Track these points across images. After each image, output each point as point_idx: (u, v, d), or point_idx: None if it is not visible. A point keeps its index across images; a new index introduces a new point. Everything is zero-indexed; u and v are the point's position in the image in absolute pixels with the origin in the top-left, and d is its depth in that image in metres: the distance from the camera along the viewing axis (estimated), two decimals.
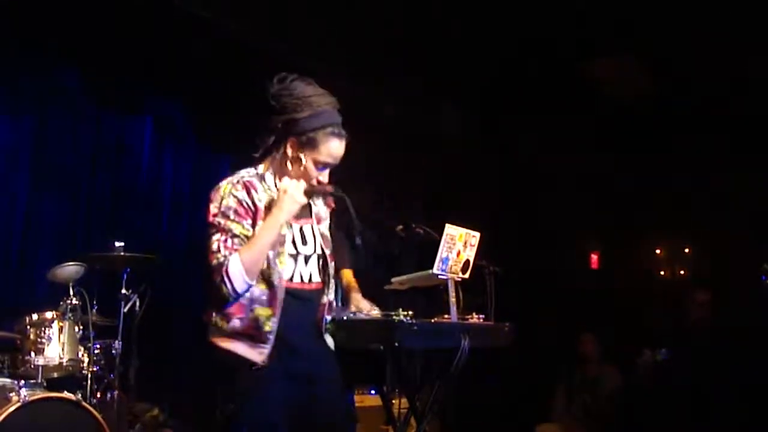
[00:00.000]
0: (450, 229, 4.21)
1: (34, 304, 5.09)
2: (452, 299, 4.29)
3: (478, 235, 4.36)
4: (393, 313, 3.94)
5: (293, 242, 3.23)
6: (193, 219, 6.66)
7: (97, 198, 6.27)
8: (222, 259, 3.01)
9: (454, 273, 4.29)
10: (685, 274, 8.45)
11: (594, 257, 8.64)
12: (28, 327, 4.87)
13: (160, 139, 6.73)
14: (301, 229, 3.29)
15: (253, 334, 3.10)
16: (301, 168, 3.18)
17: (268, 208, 3.15)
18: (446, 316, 4.31)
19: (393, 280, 4.63)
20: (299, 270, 3.25)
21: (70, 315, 4.93)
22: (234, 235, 3.06)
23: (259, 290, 3.12)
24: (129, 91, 6.45)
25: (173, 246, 6.56)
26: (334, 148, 3.17)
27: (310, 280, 3.28)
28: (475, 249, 4.37)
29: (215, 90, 6.50)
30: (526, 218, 8.09)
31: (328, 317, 3.35)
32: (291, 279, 3.21)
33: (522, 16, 6.71)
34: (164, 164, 6.73)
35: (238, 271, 3.00)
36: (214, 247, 3.05)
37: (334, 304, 3.42)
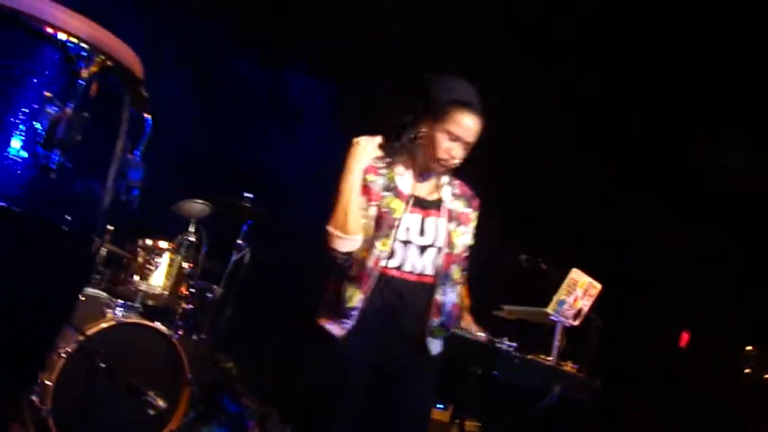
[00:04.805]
0: (575, 274, 4.16)
1: (145, 228, 5.12)
2: (557, 343, 4.24)
3: (599, 287, 4.30)
4: (497, 340, 3.91)
5: (408, 230, 3.20)
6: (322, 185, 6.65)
7: (238, 146, 6.36)
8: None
9: (565, 318, 4.24)
10: None
11: (685, 336, 8.43)
12: (140, 250, 4.91)
13: (305, 106, 6.79)
14: (423, 220, 3.24)
15: (336, 308, 3.15)
16: (433, 142, 3.17)
17: (386, 189, 3.20)
18: (542, 356, 4.26)
19: (504, 307, 4.60)
20: (411, 259, 3.20)
21: (183, 250, 4.98)
22: None
23: (354, 269, 3.15)
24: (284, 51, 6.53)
25: (299, 209, 6.51)
26: (465, 120, 3.15)
27: (423, 272, 3.23)
28: (592, 300, 4.32)
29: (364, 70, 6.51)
30: (627, 283, 7.91)
31: (436, 320, 3.24)
32: (400, 267, 3.19)
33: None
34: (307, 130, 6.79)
35: (332, 231, 3.10)
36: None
37: (447, 307, 3.29)
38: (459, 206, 3.36)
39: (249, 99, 6.41)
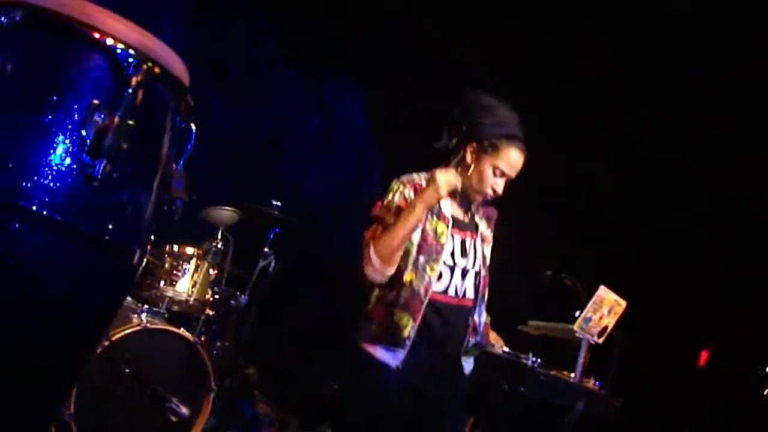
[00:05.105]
0: (602, 291, 4.16)
1: (170, 234, 5.12)
2: (582, 359, 4.24)
3: (624, 304, 4.29)
4: (523, 356, 3.92)
5: (452, 253, 3.19)
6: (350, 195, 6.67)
7: (263, 152, 6.37)
8: (369, 247, 3.04)
9: (591, 335, 4.23)
10: None
11: (704, 355, 8.37)
12: (166, 256, 4.91)
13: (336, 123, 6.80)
14: (463, 241, 3.25)
15: (390, 338, 3.10)
16: (478, 173, 3.18)
17: (430, 212, 3.16)
18: (565, 372, 4.27)
19: (530, 323, 4.60)
20: (455, 283, 3.19)
21: (210, 257, 4.98)
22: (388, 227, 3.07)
23: (402, 295, 3.10)
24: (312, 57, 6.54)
25: (327, 217, 6.52)
26: (514, 157, 3.17)
27: (464, 295, 3.23)
28: (616, 318, 4.31)
29: (400, 83, 6.51)
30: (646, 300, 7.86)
31: (472, 339, 3.26)
32: (445, 291, 3.18)
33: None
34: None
35: (372, 257, 3.02)
36: (368, 236, 3.08)
37: (481, 327, 3.31)
38: (484, 226, 3.41)
39: (277, 106, 6.42)
